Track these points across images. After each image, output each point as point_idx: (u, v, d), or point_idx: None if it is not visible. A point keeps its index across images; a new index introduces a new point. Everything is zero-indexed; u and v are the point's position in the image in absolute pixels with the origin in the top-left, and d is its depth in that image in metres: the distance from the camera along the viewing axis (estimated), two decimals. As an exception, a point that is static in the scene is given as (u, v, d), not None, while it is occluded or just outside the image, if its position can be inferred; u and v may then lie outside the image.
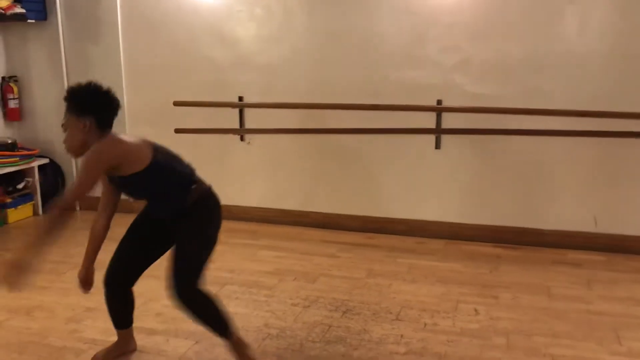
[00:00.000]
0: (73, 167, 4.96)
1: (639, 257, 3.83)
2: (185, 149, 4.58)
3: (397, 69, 4.09)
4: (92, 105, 2.25)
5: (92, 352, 2.65)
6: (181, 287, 2.27)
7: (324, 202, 4.48)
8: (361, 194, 4.38)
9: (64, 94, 2.30)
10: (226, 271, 3.61)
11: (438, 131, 4.09)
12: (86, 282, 2.46)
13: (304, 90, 4.29)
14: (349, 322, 2.95)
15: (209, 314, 2.36)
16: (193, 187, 2.37)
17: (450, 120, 4.07)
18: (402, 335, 2.80)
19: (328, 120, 4.27)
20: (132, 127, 4.69)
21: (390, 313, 3.04)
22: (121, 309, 2.56)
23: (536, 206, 4.06)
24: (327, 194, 4.46)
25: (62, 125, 2.30)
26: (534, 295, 3.27)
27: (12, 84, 4.89)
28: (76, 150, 2.29)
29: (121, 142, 2.27)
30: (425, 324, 2.92)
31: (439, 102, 4.04)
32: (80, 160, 2.27)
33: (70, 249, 3.57)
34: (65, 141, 2.30)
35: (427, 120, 4.09)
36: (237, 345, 2.42)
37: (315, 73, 4.27)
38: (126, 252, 2.47)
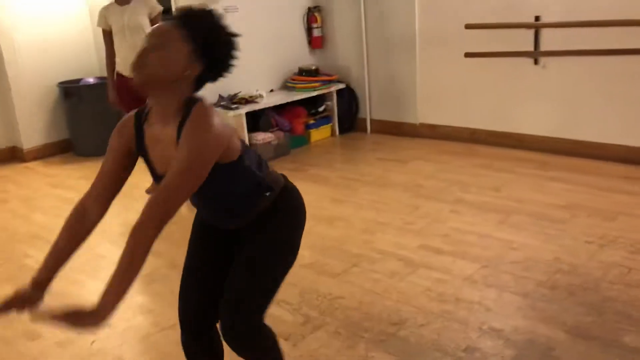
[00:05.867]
0: (366, 91, 5.26)
1: None
2: (475, 74, 4.56)
3: None
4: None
5: (384, 262, 2.86)
6: (241, 320, 1.61)
7: (626, 133, 3.99)
8: (677, 126, 3.78)
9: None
10: (513, 200, 3.51)
11: None
12: (29, 301, 1.40)
13: (610, 5, 3.79)
14: (655, 267, 2.64)
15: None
16: (267, 194, 1.66)
17: None
18: None
19: (636, 40, 3.72)
20: (423, 50, 4.76)
21: None
22: None
23: None
24: (631, 125, 3.95)
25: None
26: None
27: (316, 14, 5.31)
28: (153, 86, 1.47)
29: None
30: None
31: None
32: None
33: (362, 169, 3.85)
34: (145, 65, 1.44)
35: None
36: None
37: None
38: (202, 280, 1.74)
